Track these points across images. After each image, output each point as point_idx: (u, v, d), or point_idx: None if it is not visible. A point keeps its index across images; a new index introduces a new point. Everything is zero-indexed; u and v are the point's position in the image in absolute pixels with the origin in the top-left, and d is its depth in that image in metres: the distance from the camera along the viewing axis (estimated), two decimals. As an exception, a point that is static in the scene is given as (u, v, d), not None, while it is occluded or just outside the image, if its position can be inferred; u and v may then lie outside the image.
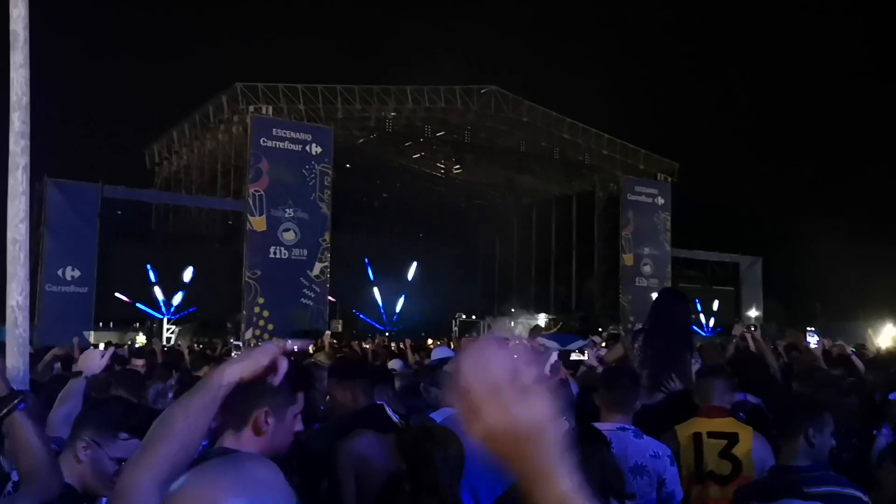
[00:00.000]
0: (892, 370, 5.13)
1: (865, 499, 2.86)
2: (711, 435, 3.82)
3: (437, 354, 7.82)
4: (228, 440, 2.11)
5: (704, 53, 54.82)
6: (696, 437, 3.84)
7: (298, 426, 2.22)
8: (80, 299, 23.12)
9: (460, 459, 2.86)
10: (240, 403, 2.14)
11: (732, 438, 3.76)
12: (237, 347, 7.44)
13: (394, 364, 8.44)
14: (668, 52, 56.22)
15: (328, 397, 3.75)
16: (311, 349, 12.67)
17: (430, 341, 19.64)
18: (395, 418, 3.56)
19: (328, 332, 17.45)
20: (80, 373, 3.30)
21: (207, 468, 1.26)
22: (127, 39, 59.37)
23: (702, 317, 35.24)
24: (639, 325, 5.71)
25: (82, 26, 53.64)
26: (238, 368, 1.84)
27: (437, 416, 4.72)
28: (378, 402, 3.64)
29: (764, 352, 6.12)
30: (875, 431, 3.93)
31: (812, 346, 6.56)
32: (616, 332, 18.41)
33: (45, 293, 22.32)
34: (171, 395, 5.93)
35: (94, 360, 3.34)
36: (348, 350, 13.42)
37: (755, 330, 6.42)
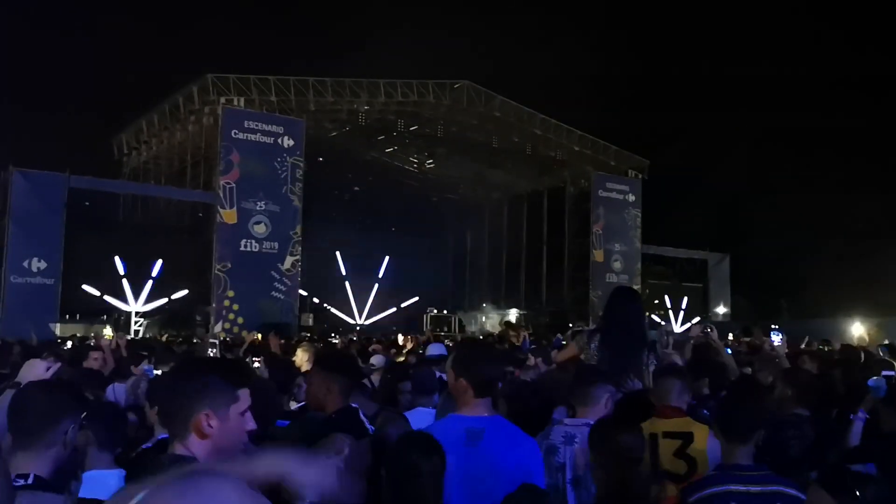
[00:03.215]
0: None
1: (804, 497, 2.97)
2: (667, 435, 3.87)
3: (432, 351, 7.79)
4: (178, 448, 2.07)
5: (676, 52, 55.21)
6: (652, 437, 3.88)
7: (250, 424, 2.14)
8: (46, 291, 22.74)
9: (442, 469, 2.81)
10: (177, 409, 2.10)
11: (687, 438, 3.82)
12: (213, 344, 7.34)
13: (375, 360, 8.44)
14: (640, 50, 56.55)
15: (306, 386, 3.66)
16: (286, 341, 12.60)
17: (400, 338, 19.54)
18: (367, 425, 3.52)
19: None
20: (18, 383, 3.16)
21: (165, 490, 1.23)
22: (97, 27, 58.46)
23: (671, 313, 35.61)
24: (588, 326, 5.76)
25: (52, 15, 52.80)
26: (265, 470, 1.70)
27: (410, 416, 4.73)
28: (353, 406, 3.59)
29: (721, 352, 6.20)
30: (851, 416, 4.06)
31: (776, 344, 6.61)
32: (580, 329, 18.37)
33: (9, 284, 21.96)
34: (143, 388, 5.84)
35: (38, 372, 3.19)
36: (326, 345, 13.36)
37: (712, 331, 6.47)
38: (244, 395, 2.16)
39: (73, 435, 2.63)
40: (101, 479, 3.06)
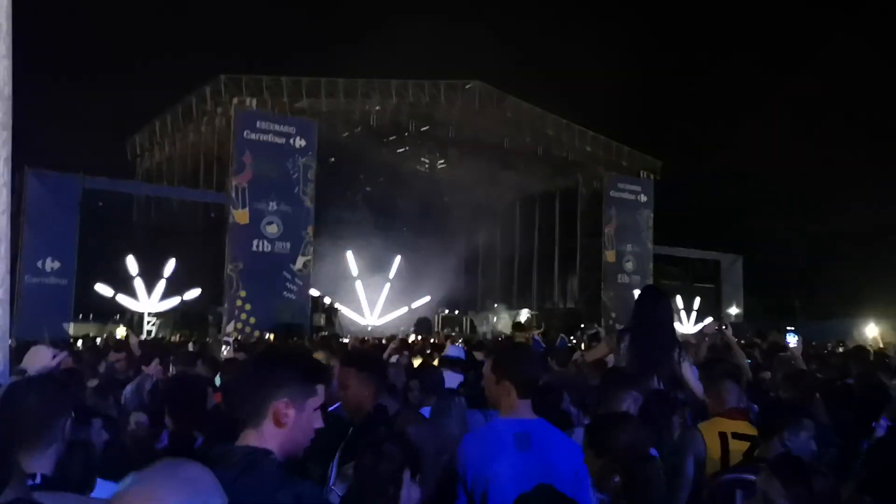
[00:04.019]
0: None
1: None
2: (736, 436, 3.87)
3: (450, 352, 7.82)
4: (251, 437, 2.08)
5: (689, 52, 55.07)
6: (723, 436, 3.88)
7: (318, 422, 2.18)
8: (60, 291, 22.87)
9: (391, 467, 2.77)
10: (257, 394, 2.12)
11: (755, 441, 3.82)
12: (227, 343, 7.39)
13: (394, 360, 8.44)
14: (653, 50, 56.43)
15: (341, 387, 3.66)
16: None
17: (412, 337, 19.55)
18: None
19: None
20: (23, 371, 3.13)
21: (153, 471, 1.37)
22: (110, 28, 58.78)
23: (683, 314, 35.44)
24: (619, 326, 5.74)
25: (65, 15, 53.11)
26: None
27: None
28: (384, 405, 3.61)
29: (734, 351, 6.18)
30: (874, 423, 4.03)
31: (792, 345, 6.59)
32: (595, 331, 18.34)
33: (24, 285, 22.08)
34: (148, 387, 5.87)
35: (44, 359, 3.15)
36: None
37: (726, 329, 6.45)
38: (321, 391, 2.22)
39: (70, 429, 2.64)
40: None
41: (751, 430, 3.86)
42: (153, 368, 6.43)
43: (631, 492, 2.78)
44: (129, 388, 6.05)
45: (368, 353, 8.03)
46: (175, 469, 1.38)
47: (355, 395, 3.54)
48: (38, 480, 2.42)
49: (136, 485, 1.32)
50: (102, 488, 3.05)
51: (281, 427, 2.07)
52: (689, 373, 4.96)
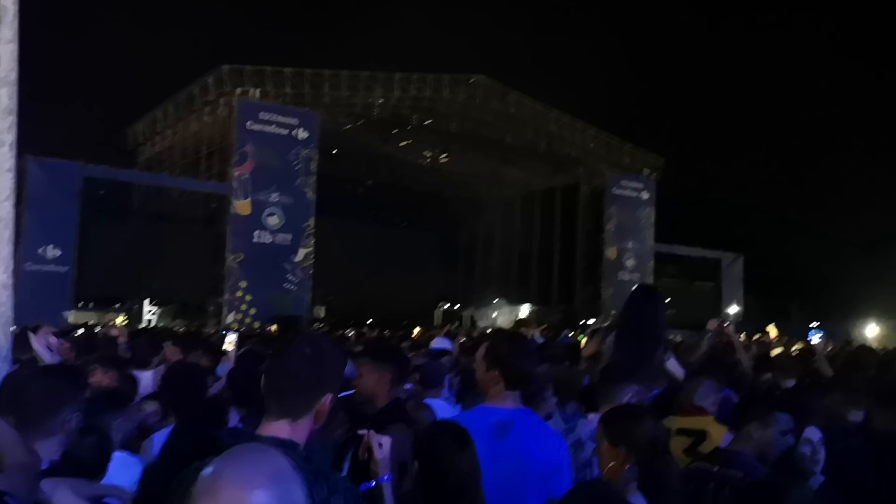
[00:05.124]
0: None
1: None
2: (680, 432, 3.85)
3: (437, 344, 7.82)
4: (283, 429, 2.04)
5: (692, 49, 54.92)
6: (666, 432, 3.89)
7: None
8: (60, 279, 22.86)
9: (477, 462, 2.75)
10: (316, 389, 2.09)
11: (700, 436, 3.80)
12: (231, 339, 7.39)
13: None
14: (657, 47, 56.27)
15: (358, 377, 3.64)
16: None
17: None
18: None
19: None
20: (32, 359, 3.11)
21: (234, 458, 1.36)
22: (113, 16, 58.59)
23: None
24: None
25: (67, 4, 52.95)
26: None
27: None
28: (400, 397, 3.60)
29: (737, 348, 6.17)
30: None
31: (815, 343, 6.57)
32: (597, 328, 18.31)
33: (23, 272, 22.07)
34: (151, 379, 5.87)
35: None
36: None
37: (728, 325, 6.44)
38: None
39: (77, 422, 2.62)
40: None
41: (700, 426, 3.85)
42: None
43: (647, 484, 2.75)
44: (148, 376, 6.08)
45: (386, 343, 8.04)
46: (257, 456, 1.38)
47: (367, 383, 3.53)
48: (44, 467, 2.41)
49: (220, 472, 1.31)
50: (118, 461, 3.05)
51: (318, 421, 2.07)
52: (674, 366, 5.00)
